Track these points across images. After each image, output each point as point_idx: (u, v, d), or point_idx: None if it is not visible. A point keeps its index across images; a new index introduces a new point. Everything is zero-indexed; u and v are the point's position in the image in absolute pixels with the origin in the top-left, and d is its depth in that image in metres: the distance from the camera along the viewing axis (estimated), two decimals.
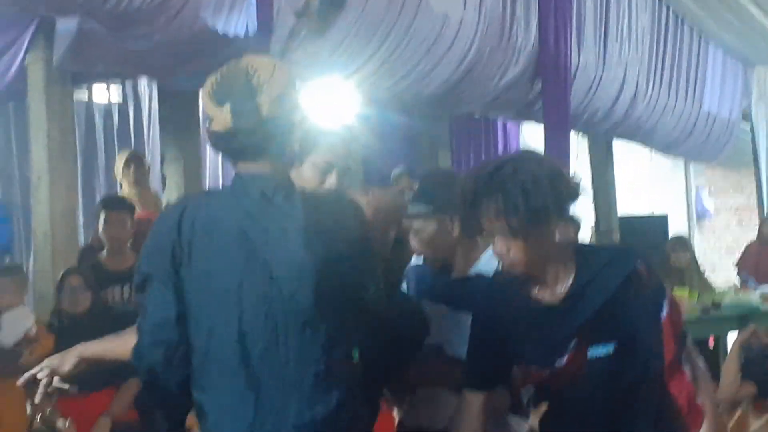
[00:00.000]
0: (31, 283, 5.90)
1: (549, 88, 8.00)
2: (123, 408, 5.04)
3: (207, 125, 2.49)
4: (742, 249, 10.11)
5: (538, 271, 2.62)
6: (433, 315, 3.07)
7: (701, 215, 13.48)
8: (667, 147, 10.57)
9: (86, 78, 6.83)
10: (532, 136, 10.21)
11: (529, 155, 2.69)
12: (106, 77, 7.28)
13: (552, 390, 2.74)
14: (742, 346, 4.54)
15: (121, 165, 6.97)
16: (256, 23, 5.82)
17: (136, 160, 7.06)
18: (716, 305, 7.79)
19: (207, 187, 8.85)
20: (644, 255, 2.71)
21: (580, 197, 2.66)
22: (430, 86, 7.23)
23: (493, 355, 2.74)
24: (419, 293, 3.22)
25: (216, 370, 2.41)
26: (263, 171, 2.46)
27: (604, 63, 8.64)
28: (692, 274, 8.32)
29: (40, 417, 5.01)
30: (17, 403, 4.89)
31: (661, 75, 9.53)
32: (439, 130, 9.65)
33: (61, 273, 5.21)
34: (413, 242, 3.15)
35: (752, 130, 11.60)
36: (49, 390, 2.67)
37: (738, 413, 4.51)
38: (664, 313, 2.64)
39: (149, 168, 7.39)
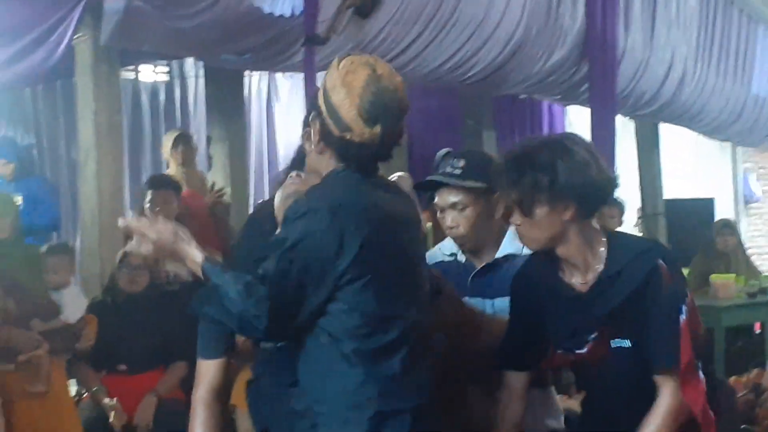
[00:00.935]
0: (78, 262, 5.94)
1: (595, 70, 7.93)
2: (170, 388, 5.05)
3: (342, 133, 2.53)
4: None
5: (564, 253, 2.64)
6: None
7: (749, 199, 13.30)
8: (714, 130, 10.46)
9: (133, 57, 6.84)
10: (577, 118, 10.15)
11: (567, 136, 2.71)
12: (152, 56, 7.30)
13: (582, 375, 2.81)
14: None
15: (170, 144, 6.96)
16: (302, 3, 5.83)
17: (185, 140, 7.06)
18: (763, 290, 7.69)
19: (252, 168, 8.92)
20: (669, 253, 2.71)
21: (617, 184, 2.67)
22: (475, 68, 7.20)
23: (532, 334, 2.77)
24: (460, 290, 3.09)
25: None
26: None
27: (651, 45, 8.54)
28: (738, 259, 8.21)
29: (88, 393, 5.08)
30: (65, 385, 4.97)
31: (710, 57, 9.40)
32: (484, 111, 9.61)
33: (123, 251, 5.17)
34: (451, 222, 3.08)
35: None
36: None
37: None
38: (683, 317, 2.62)
39: (197, 148, 7.42)
